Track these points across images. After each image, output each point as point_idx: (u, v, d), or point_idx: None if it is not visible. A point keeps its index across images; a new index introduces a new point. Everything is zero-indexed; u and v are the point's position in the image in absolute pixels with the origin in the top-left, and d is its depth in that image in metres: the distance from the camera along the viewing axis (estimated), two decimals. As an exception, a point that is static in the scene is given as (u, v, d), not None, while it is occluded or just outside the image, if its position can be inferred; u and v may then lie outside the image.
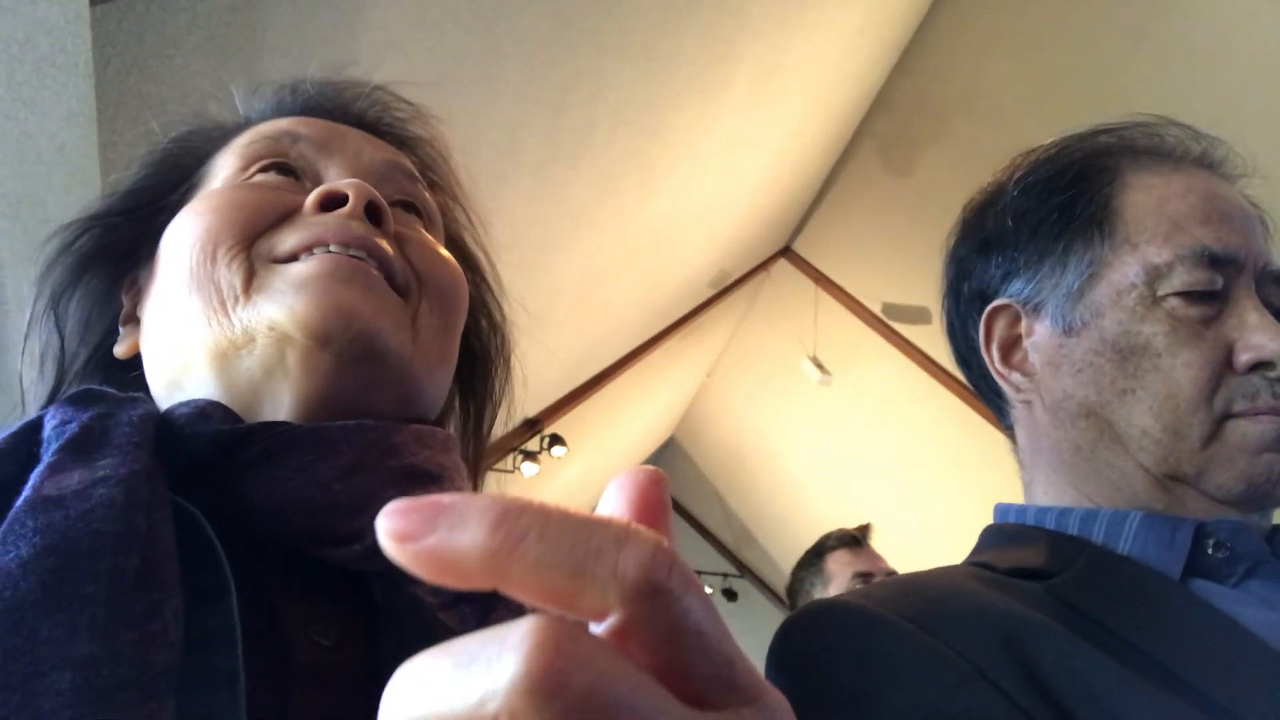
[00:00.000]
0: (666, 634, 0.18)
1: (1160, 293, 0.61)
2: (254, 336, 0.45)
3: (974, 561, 0.66)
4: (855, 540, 1.99)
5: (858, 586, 1.31)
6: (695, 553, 7.72)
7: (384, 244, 0.49)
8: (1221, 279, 0.61)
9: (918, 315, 4.68)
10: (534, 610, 0.17)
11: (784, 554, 6.10)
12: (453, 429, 0.63)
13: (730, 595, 7.40)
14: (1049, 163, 0.70)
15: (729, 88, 3.17)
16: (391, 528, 0.18)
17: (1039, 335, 0.68)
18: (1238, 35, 3.03)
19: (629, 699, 0.16)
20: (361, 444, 0.43)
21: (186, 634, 0.32)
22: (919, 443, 5.25)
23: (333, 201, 0.50)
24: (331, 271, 0.46)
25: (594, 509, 0.20)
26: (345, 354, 0.45)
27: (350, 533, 0.40)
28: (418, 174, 0.59)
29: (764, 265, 5.20)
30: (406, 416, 0.50)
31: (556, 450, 4.30)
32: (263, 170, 0.54)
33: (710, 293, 4.87)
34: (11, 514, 0.33)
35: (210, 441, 0.40)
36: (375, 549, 0.40)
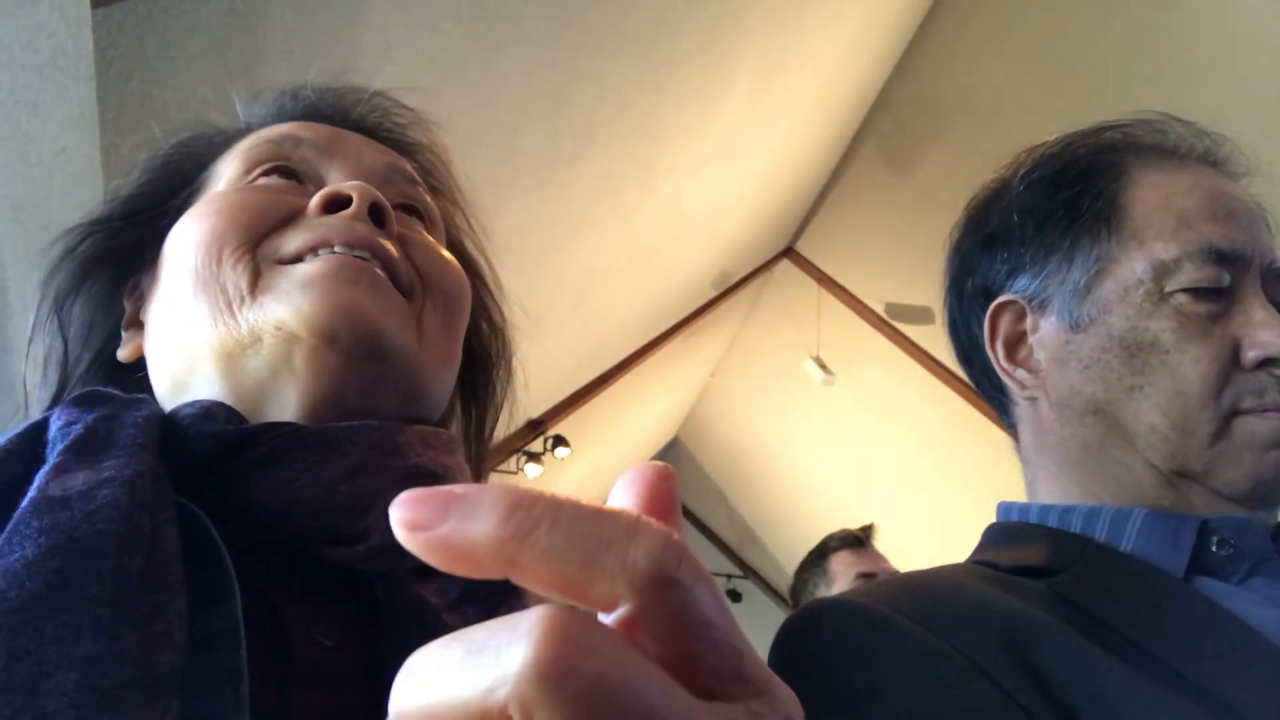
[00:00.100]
0: (676, 625, 0.18)
1: (1168, 289, 0.61)
2: (260, 336, 0.45)
3: (976, 560, 0.66)
4: (858, 541, 1.99)
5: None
6: (699, 553, 7.50)
7: (388, 245, 0.49)
8: (1228, 276, 0.61)
9: (921, 315, 4.68)
10: (543, 602, 0.17)
11: (788, 554, 6.09)
12: (454, 431, 0.63)
13: (734, 596, 7.39)
14: (1054, 159, 0.70)
15: (729, 88, 3.17)
16: (405, 517, 0.18)
17: (1045, 332, 0.67)
18: (1238, 34, 3.02)
19: (638, 688, 0.16)
20: (366, 444, 0.43)
21: (190, 634, 0.32)
22: (922, 442, 5.25)
23: (336, 203, 0.50)
24: (337, 271, 0.46)
25: None
26: (352, 352, 0.45)
27: (355, 533, 0.40)
28: (418, 178, 0.60)
29: (766, 265, 5.20)
30: (410, 417, 0.50)
31: (560, 451, 4.30)
32: (265, 174, 0.54)
33: (713, 293, 4.87)
34: (17, 515, 0.33)
35: (215, 442, 0.40)
36: (379, 549, 0.40)
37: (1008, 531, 0.68)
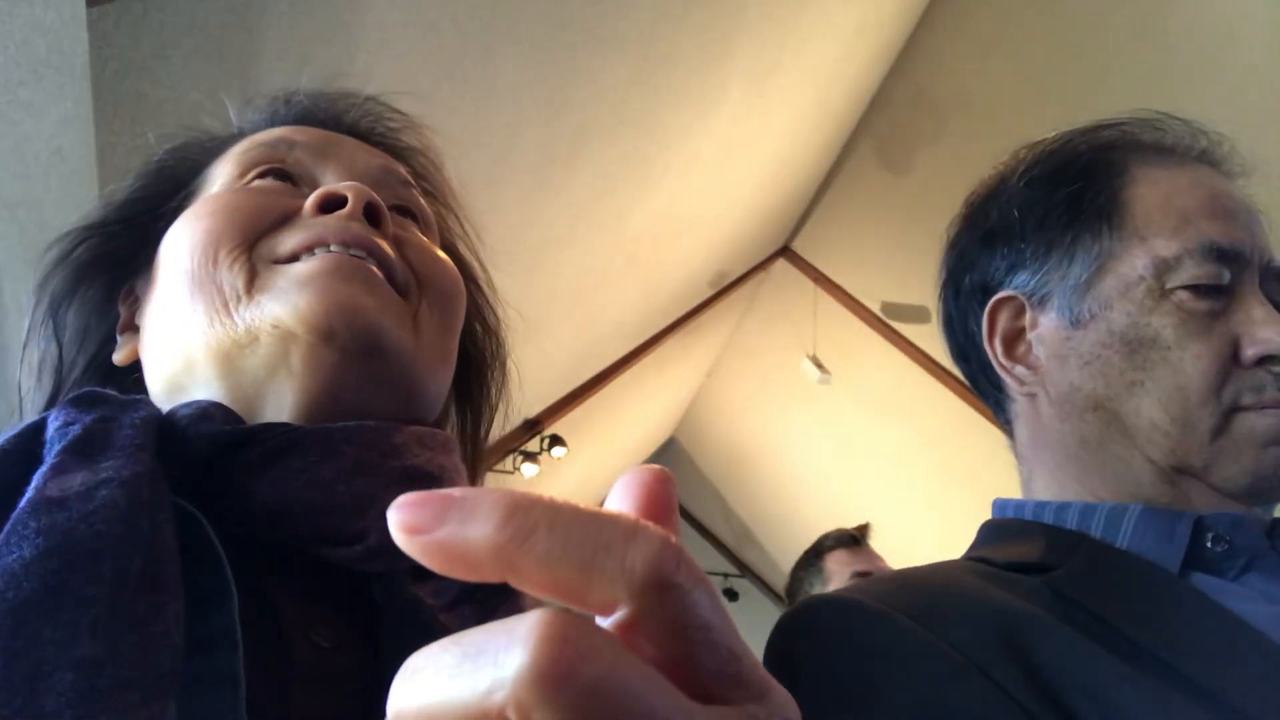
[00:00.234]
0: (674, 628, 0.18)
1: (1169, 286, 0.62)
2: (257, 335, 0.45)
3: (972, 556, 0.66)
4: (854, 540, 1.99)
5: (857, 586, 1.30)
6: (696, 552, 7.59)
7: (383, 244, 0.50)
8: (1228, 273, 0.61)
9: (917, 314, 4.69)
10: (541, 606, 0.17)
11: (784, 553, 6.10)
12: (450, 433, 0.63)
13: (731, 595, 7.39)
14: (1055, 156, 0.71)
15: (726, 88, 3.17)
16: (402, 520, 0.18)
17: (1044, 328, 0.68)
18: (1234, 35, 3.03)
19: (635, 691, 0.16)
20: (363, 445, 0.43)
21: (188, 636, 0.32)
22: (918, 441, 5.26)
23: (331, 204, 0.50)
24: (333, 270, 0.46)
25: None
26: (349, 350, 0.45)
27: (353, 533, 0.40)
28: (411, 180, 0.60)
29: (763, 265, 5.21)
30: (407, 417, 0.50)
31: (557, 451, 4.30)
32: (260, 176, 0.54)
33: (709, 293, 4.87)
34: (15, 515, 0.33)
35: (212, 442, 0.40)
36: (377, 550, 0.40)
37: (1003, 528, 0.68)
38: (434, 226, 0.60)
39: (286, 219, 0.50)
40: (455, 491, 0.18)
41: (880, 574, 1.87)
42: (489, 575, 0.18)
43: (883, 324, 4.90)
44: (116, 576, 0.31)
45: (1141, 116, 0.70)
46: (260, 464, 0.40)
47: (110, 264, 0.56)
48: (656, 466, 0.21)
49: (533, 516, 0.17)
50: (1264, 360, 0.60)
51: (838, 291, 5.05)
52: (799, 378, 5.31)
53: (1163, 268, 0.62)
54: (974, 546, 0.68)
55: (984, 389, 0.75)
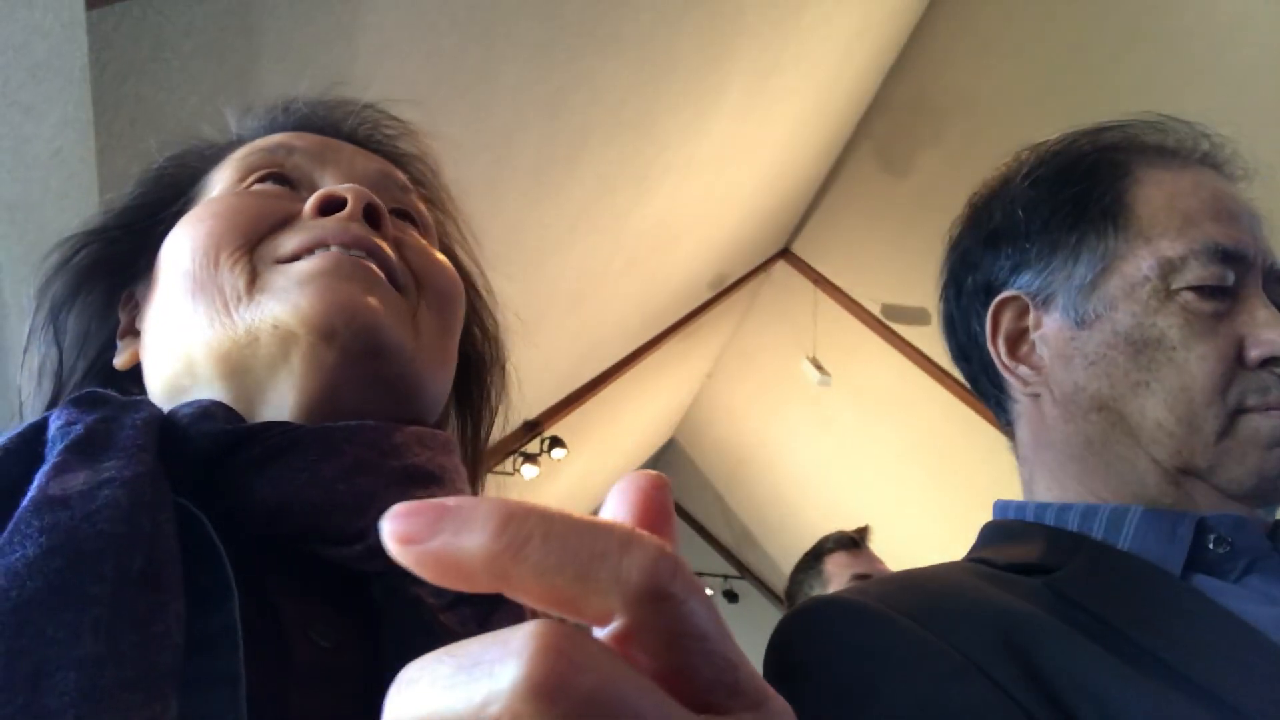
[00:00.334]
0: (670, 638, 0.18)
1: (1174, 286, 0.62)
2: (257, 335, 0.45)
3: (973, 558, 0.66)
4: (853, 542, 1.99)
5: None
6: (696, 554, 7.72)
7: (383, 245, 0.50)
8: (1233, 275, 0.62)
9: (917, 316, 4.69)
10: (539, 613, 0.17)
11: (785, 555, 6.10)
12: (450, 434, 0.63)
13: (731, 597, 7.40)
14: (1059, 156, 0.71)
15: (725, 90, 3.17)
16: (396, 530, 0.18)
17: (1048, 328, 0.68)
18: (1234, 37, 3.03)
19: (631, 703, 0.16)
20: (364, 444, 0.43)
21: (189, 635, 0.32)
22: (918, 443, 5.25)
23: (331, 205, 0.50)
24: (334, 269, 0.46)
25: (595, 512, 0.20)
26: (349, 349, 0.45)
27: (354, 532, 0.40)
28: (410, 185, 0.60)
29: (763, 267, 5.21)
30: (407, 418, 0.50)
31: (556, 452, 4.30)
32: (259, 180, 0.54)
33: (709, 294, 4.88)
34: (18, 514, 0.33)
35: (213, 440, 0.40)
36: (377, 549, 0.40)
37: (1004, 529, 0.68)
38: (433, 230, 0.60)
39: (287, 222, 0.50)
40: (450, 501, 0.18)
41: (880, 576, 1.87)
42: (483, 585, 0.17)
43: (882, 326, 4.90)
44: (118, 576, 0.31)
45: (1145, 119, 0.70)
46: (261, 462, 0.40)
47: (111, 269, 0.57)
48: (652, 472, 0.21)
49: (527, 526, 0.17)
50: (1268, 362, 0.60)
51: (837, 293, 5.05)
52: (799, 379, 5.31)
53: (1168, 268, 0.62)
54: (975, 548, 0.68)
55: (985, 390, 0.75)
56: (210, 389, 0.47)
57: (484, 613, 0.43)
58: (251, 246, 0.48)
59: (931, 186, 4.16)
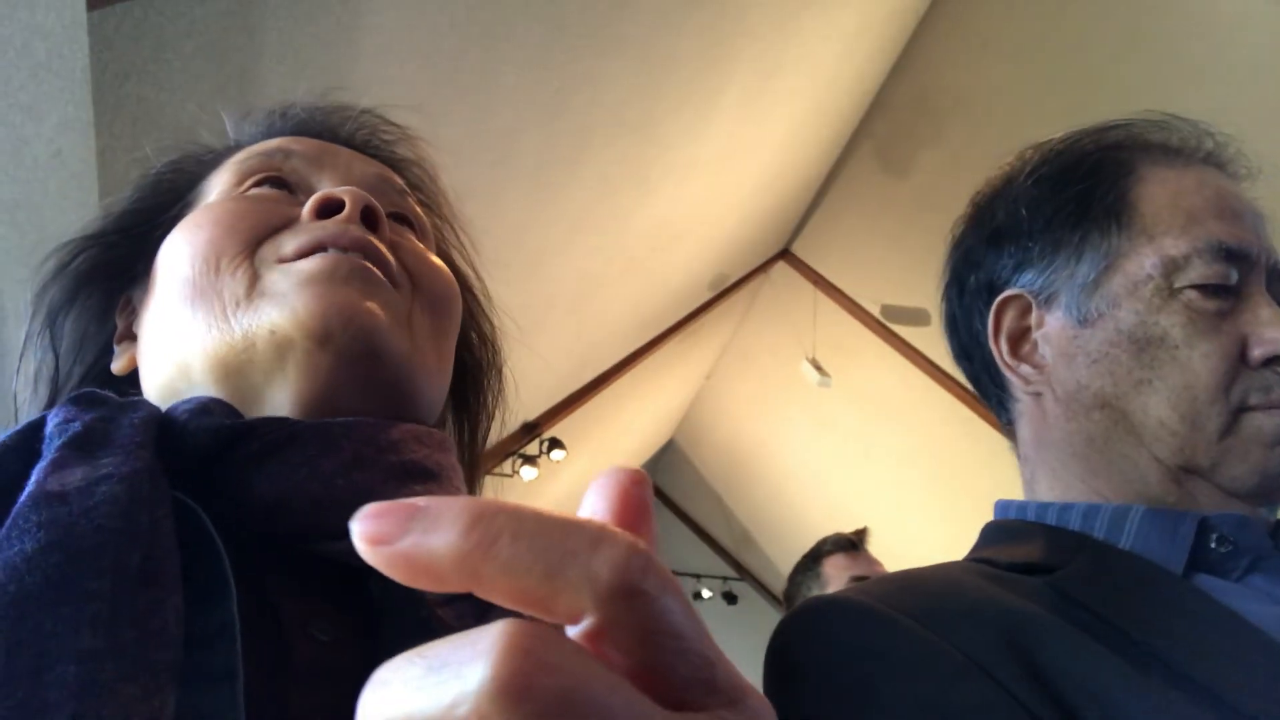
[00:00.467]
0: (643, 636, 0.18)
1: (1177, 285, 0.62)
2: (254, 341, 0.46)
3: (974, 558, 0.66)
4: (852, 545, 1.99)
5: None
6: (695, 556, 7.71)
7: (380, 246, 0.50)
8: (1236, 273, 0.62)
9: (916, 317, 4.69)
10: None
11: (784, 557, 6.09)
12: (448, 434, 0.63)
13: (730, 598, 7.39)
14: (1062, 155, 0.71)
15: (726, 90, 3.17)
16: (365, 531, 0.18)
17: (1051, 326, 0.68)
18: (1234, 36, 3.03)
19: (601, 702, 0.16)
20: (362, 440, 0.43)
21: (188, 630, 0.32)
22: (917, 445, 5.25)
23: (329, 208, 0.50)
24: (331, 271, 0.46)
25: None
26: (345, 353, 0.45)
27: None
28: (407, 189, 0.61)
29: (763, 268, 5.21)
30: (403, 420, 0.50)
31: (555, 454, 4.30)
32: (257, 184, 0.55)
33: (709, 295, 4.88)
34: (16, 509, 0.33)
35: (211, 435, 0.40)
36: None
37: (1006, 529, 0.68)
38: (430, 235, 0.61)
39: (285, 225, 0.50)
40: (420, 501, 0.18)
41: (880, 576, 1.87)
42: (454, 586, 0.17)
43: (882, 327, 4.90)
44: (117, 571, 0.31)
45: (1148, 117, 0.70)
46: (260, 458, 0.40)
47: (108, 274, 0.57)
48: (631, 467, 0.21)
49: (496, 524, 0.17)
50: (1271, 361, 0.60)
51: (837, 294, 5.05)
52: (798, 380, 5.31)
53: (1171, 267, 0.62)
54: (976, 547, 0.68)
55: (986, 389, 0.75)
56: (206, 393, 0.47)
57: (482, 607, 0.43)
58: (251, 251, 0.48)
59: (932, 187, 4.16)
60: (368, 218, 0.50)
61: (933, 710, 0.48)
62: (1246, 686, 0.48)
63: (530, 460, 4.30)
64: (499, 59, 2.18)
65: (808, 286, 5.16)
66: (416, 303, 0.52)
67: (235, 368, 0.46)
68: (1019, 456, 0.73)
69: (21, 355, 0.56)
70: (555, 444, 4.28)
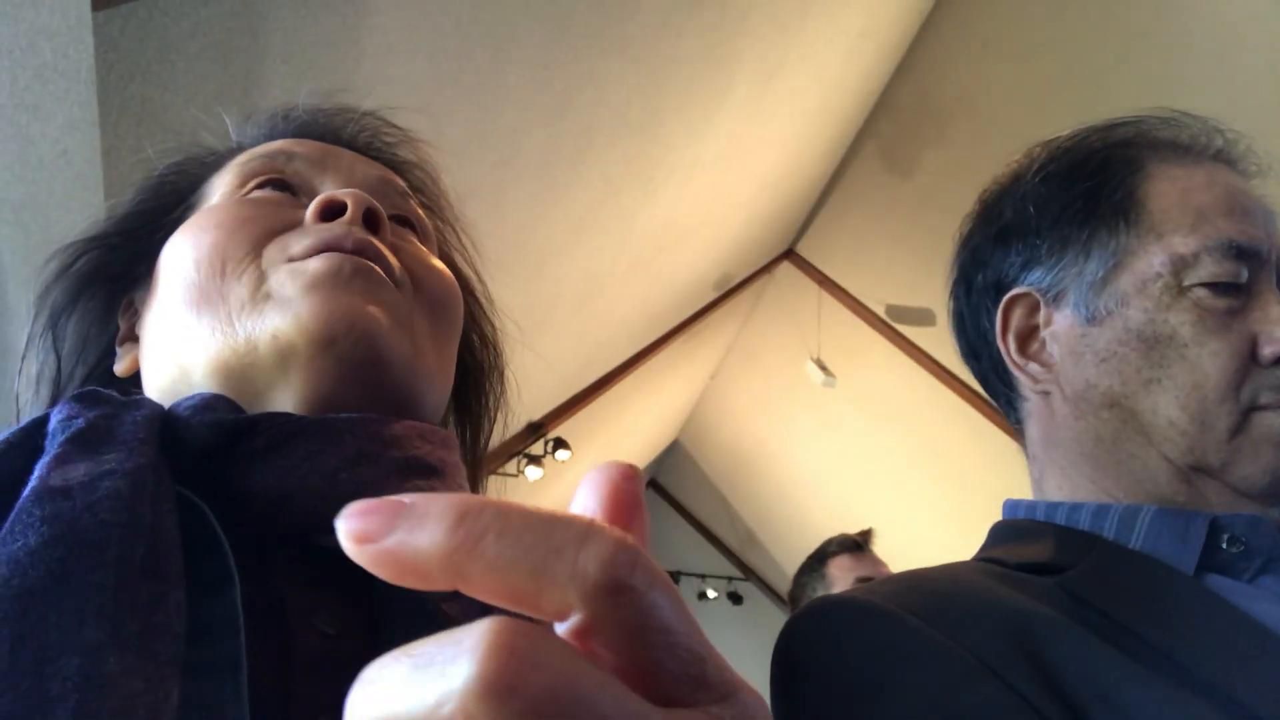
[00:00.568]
0: (631, 632, 0.17)
1: (1186, 283, 0.61)
2: (256, 344, 0.46)
3: (983, 557, 0.66)
4: (857, 546, 1.99)
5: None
6: (700, 556, 7.71)
7: (382, 248, 0.50)
8: (1246, 271, 0.61)
9: (921, 317, 4.68)
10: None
11: (789, 557, 6.09)
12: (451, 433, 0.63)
13: (735, 598, 7.39)
14: (1070, 152, 0.70)
15: (730, 90, 3.17)
16: (351, 529, 0.18)
17: (1059, 325, 0.67)
18: (1239, 37, 3.02)
19: (588, 698, 0.16)
20: (365, 435, 0.43)
21: (192, 622, 0.32)
22: (923, 445, 5.25)
23: (332, 211, 0.51)
24: (335, 272, 0.46)
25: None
26: (347, 358, 0.45)
27: None
28: (409, 192, 0.61)
29: (767, 268, 5.20)
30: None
31: (560, 454, 4.30)
32: (259, 186, 0.55)
33: (714, 295, 4.87)
34: (19, 504, 0.33)
35: (215, 431, 0.40)
36: None
37: (1015, 529, 0.68)
38: (432, 237, 0.61)
39: (289, 228, 0.50)
40: (406, 498, 0.18)
41: (888, 576, 1.87)
42: (439, 584, 0.17)
43: (887, 327, 4.89)
44: (120, 565, 0.31)
45: (1158, 114, 0.70)
46: (263, 453, 0.40)
47: (111, 276, 0.57)
48: (623, 462, 0.21)
49: (482, 521, 0.17)
50: None
51: (842, 294, 5.05)
52: (803, 381, 5.31)
53: (1180, 265, 0.62)
54: (985, 547, 0.68)
55: (995, 388, 0.75)
56: None
57: (484, 604, 0.43)
58: (257, 254, 0.49)
59: (936, 187, 4.16)
60: (369, 220, 0.50)
61: (941, 711, 0.48)
62: (1256, 687, 0.48)
63: (535, 460, 4.30)
64: (503, 59, 2.18)
65: (812, 286, 5.16)
66: (418, 305, 0.52)
67: (238, 371, 0.46)
68: (1028, 456, 0.72)
69: (24, 357, 0.56)
70: (560, 444, 4.29)
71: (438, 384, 0.53)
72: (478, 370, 0.65)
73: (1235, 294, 0.61)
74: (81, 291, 0.56)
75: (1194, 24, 3.10)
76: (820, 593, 1.91)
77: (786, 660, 0.58)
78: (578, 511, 0.20)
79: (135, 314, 0.56)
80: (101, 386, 0.55)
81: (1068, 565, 0.58)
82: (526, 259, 2.91)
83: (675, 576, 7.24)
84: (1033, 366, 0.69)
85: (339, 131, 0.63)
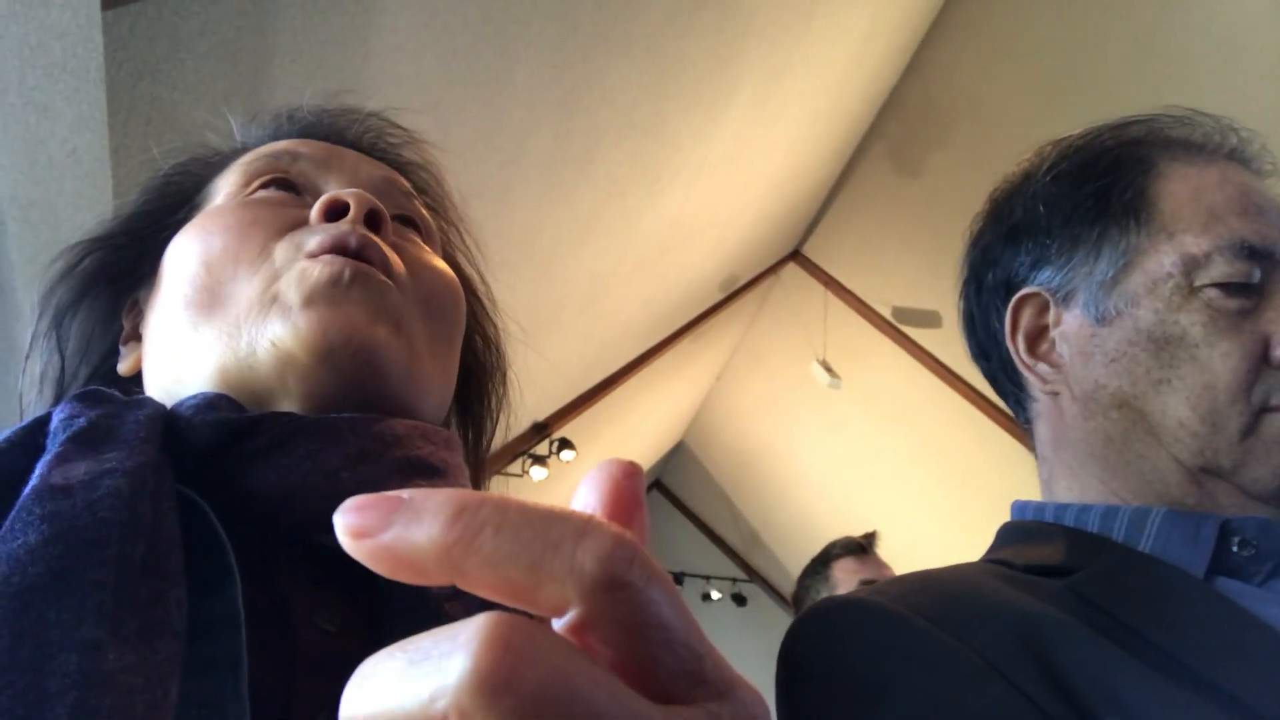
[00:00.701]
0: (629, 628, 0.17)
1: (1197, 283, 0.61)
2: (255, 350, 0.46)
3: (991, 559, 0.65)
4: (861, 548, 1.99)
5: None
6: (704, 557, 7.71)
7: (384, 248, 0.50)
8: (1259, 272, 0.60)
9: (928, 319, 4.67)
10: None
11: (793, 559, 6.08)
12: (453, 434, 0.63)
13: (740, 600, 7.38)
14: (1081, 151, 0.70)
15: (736, 91, 3.17)
16: (348, 524, 0.18)
17: (1068, 325, 0.67)
18: (1246, 38, 3.01)
19: (584, 695, 0.15)
20: (367, 434, 0.43)
21: (192, 620, 0.32)
22: (928, 447, 5.23)
23: (336, 211, 0.51)
24: (335, 280, 0.46)
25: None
26: (344, 369, 0.46)
27: None
28: (413, 192, 0.61)
29: (773, 269, 5.20)
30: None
31: (565, 454, 4.30)
32: (264, 186, 0.55)
33: (720, 296, 4.87)
34: (20, 502, 0.33)
35: (216, 430, 0.40)
36: None
37: (1023, 530, 0.67)
38: (435, 237, 0.61)
39: (293, 228, 0.51)
40: (404, 493, 0.18)
41: (895, 577, 1.87)
42: (437, 579, 0.17)
43: (893, 329, 4.89)
44: (120, 563, 0.31)
45: (1170, 112, 0.69)
46: (265, 452, 0.40)
47: (116, 276, 0.57)
48: (624, 459, 0.21)
49: (480, 517, 0.17)
50: None
51: (848, 296, 5.04)
52: (809, 382, 5.30)
53: (1192, 265, 0.61)
54: (993, 548, 0.68)
55: (1004, 388, 0.74)
56: None
57: (486, 600, 0.43)
58: (268, 254, 0.49)
59: (943, 188, 4.15)
60: (372, 220, 0.50)
61: (948, 712, 0.48)
62: (1266, 691, 0.47)
63: (540, 460, 4.30)
64: (511, 59, 2.18)
65: (818, 288, 5.16)
66: (418, 306, 0.52)
67: (237, 374, 0.46)
68: (1037, 456, 0.72)
69: (28, 355, 0.56)
70: (565, 444, 4.29)
71: (437, 387, 0.53)
72: (480, 371, 0.65)
73: (1247, 294, 0.60)
74: (86, 291, 0.56)
75: (1198, 27, 3.09)
76: (824, 595, 1.91)
77: (791, 662, 0.58)
78: (578, 508, 0.20)
79: (139, 314, 0.56)
80: (105, 386, 0.55)
81: (1076, 567, 0.58)
82: (532, 259, 2.92)
83: (679, 578, 7.24)
84: (1042, 366, 0.68)
85: (344, 132, 0.63)
